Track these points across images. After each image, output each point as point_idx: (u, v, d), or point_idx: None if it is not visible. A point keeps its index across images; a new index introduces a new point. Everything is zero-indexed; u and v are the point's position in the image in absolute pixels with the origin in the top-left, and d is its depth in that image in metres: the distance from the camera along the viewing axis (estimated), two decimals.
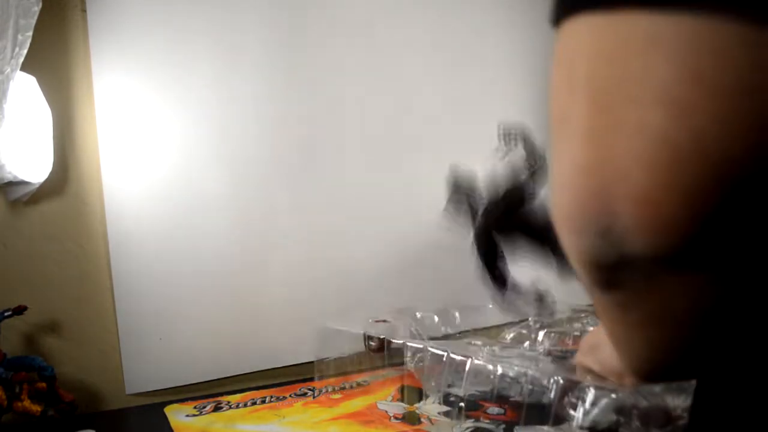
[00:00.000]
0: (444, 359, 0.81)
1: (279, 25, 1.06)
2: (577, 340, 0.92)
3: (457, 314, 1.02)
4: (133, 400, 0.96)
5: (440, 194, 0.81)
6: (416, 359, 0.85)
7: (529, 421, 0.75)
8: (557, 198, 0.27)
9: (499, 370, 0.77)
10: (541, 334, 0.94)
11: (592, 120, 0.24)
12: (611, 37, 0.24)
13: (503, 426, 0.76)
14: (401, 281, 1.11)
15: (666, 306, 0.26)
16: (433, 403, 0.84)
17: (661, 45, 0.23)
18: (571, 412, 0.69)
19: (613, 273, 0.26)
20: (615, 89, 0.23)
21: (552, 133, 0.27)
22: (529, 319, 0.97)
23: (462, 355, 0.80)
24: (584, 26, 0.25)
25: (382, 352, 0.93)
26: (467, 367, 0.78)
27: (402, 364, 0.90)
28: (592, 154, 0.24)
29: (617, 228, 0.24)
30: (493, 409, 0.81)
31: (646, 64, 0.23)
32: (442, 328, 0.99)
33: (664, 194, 0.23)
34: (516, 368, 0.77)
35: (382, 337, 0.92)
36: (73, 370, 0.92)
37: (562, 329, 0.94)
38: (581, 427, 0.71)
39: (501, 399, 0.82)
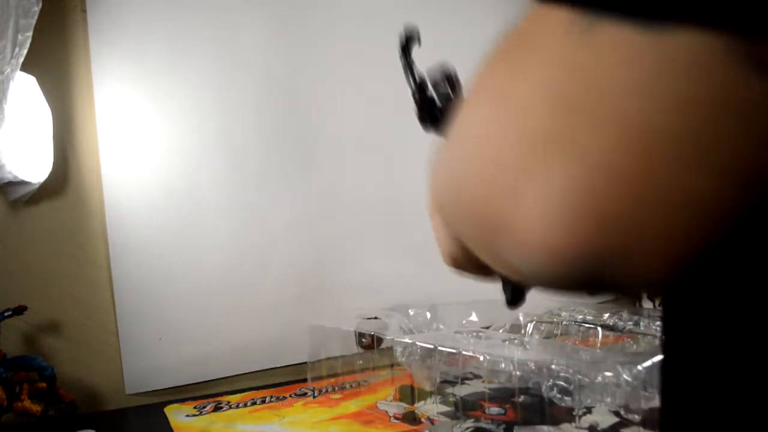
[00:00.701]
0: (433, 352, 0.81)
1: (280, 25, 1.07)
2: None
3: (448, 311, 1.02)
4: (133, 400, 0.95)
5: None
6: (407, 353, 0.86)
7: (529, 420, 0.75)
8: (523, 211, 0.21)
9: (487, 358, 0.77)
10: (530, 326, 0.94)
11: (624, 163, 0.19)
12: (673, 74, 0.18)
13: (503, 426, 0.76)
14: (399, 280, 1.11)
15: None
16: (433, 403, 0.85)
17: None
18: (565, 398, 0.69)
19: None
20: (669, 147, 0.18)
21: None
22: (520, 315, 0.97)
23: (451, 347, 0.80)
24: (625, 43, 0.18)
25: (373, 349, 0.94)
26: (458, 358, 0.78)
27: (398, 363, 0.90)
28: (617, 200, 0.19)
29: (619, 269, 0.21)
30: (493, 409, 0.81)
31: (719, 121, 0.18)
32: (434, 325, 0.99)
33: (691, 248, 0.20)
34: (504, 352, 0.77)
35: (372, 333, 0.93)
36: (73, 370, 0.92)
37: (550, 320, 0.95)
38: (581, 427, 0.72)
39: (500, 397, 0.82)
